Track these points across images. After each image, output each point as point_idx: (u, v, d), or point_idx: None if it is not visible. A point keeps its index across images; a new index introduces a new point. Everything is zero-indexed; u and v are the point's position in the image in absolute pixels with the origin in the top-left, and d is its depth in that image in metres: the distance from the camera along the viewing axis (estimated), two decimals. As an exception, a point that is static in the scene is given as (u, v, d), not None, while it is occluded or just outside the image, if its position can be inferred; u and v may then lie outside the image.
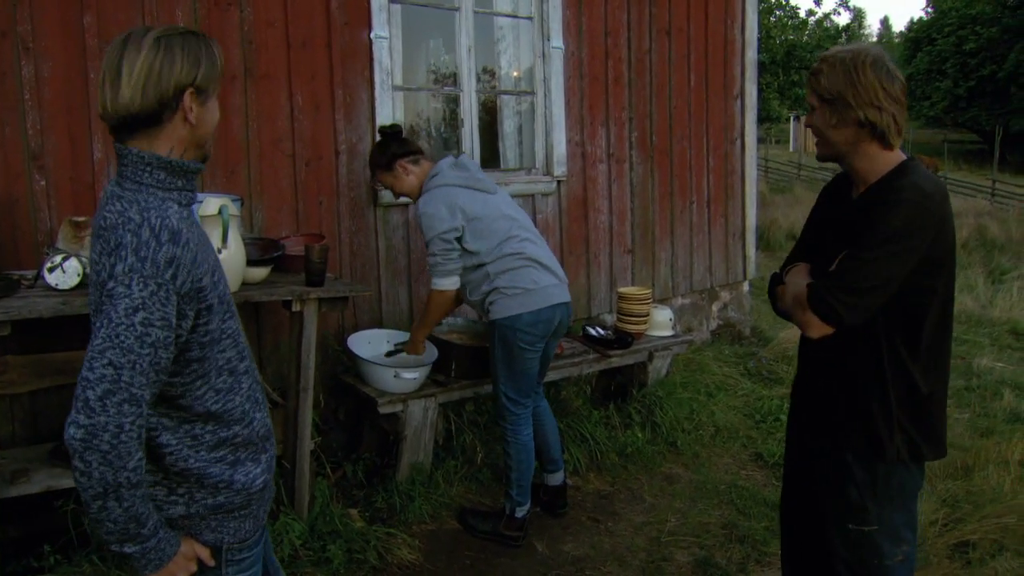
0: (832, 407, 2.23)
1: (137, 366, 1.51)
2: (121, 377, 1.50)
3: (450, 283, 3.57)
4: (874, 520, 2.18)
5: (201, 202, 2.90)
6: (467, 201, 3.54)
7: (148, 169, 1.62)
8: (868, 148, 2.12)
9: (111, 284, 1.53)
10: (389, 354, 4.10)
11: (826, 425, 2.26)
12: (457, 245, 3.52)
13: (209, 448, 1.72)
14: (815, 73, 2.14)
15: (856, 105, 2.06)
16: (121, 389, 1.50)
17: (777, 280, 2.37)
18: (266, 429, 1.85)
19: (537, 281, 3.57)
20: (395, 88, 4.56)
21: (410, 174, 3.64)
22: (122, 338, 1.50)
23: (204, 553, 1.75)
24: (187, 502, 1.72)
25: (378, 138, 3.83)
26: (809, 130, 2.25)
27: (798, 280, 2.21)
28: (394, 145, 3.65)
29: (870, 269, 2.01)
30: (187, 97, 1.63)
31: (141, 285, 1.51)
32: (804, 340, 2.38)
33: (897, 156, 2.15)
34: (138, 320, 1.51)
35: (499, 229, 3.57)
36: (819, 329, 2.09)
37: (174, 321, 1.55)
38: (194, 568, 1.72)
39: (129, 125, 1.62)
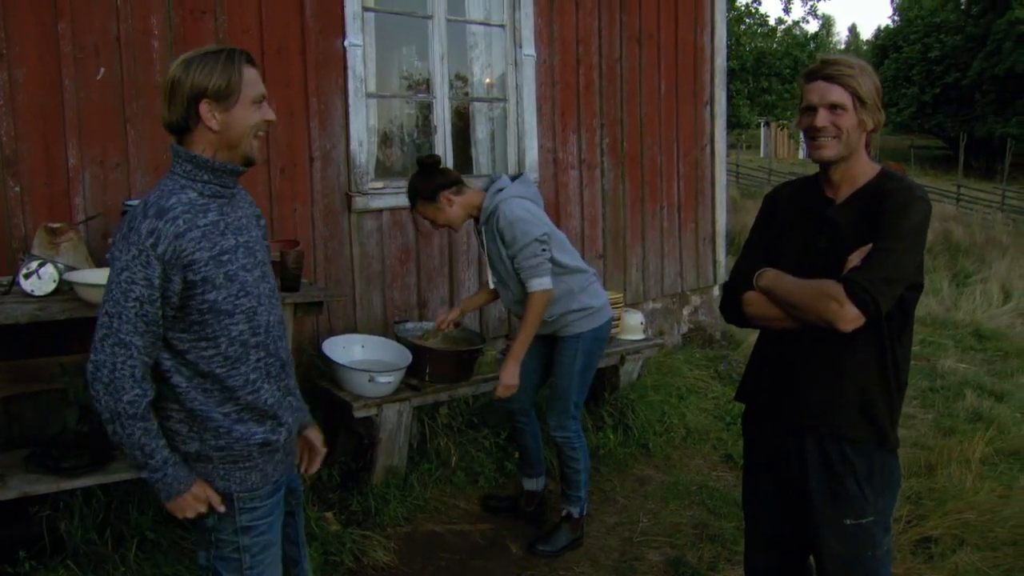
0: (826, 402, 2.24)
1: (123, 316, 1.84)
2: (112, 324, 1.84)
3: (550, 283, 3.48)
4: (871, 511, 2.22)
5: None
6: (543, 214, 3.57)
7: (179, 160, 1.95)
8: (861, 151, 2.24)
9: (112, 251, 1.89)
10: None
11: (817, 421, 2.25)
12: (549, 251, 3.50)
13: (217, 403, 1.99)
14: (848, 76, 2.15)
15: (877, 109, 2.19)
16: (113, 334, 1.84)
17: (741, 287, 2.34)
18: (275, 400, 2.09)
19: (603, 294, 3.78)
20: (368, 95, 4.60)
21: (453, 205, 3.52)
22: (113, 293, 1.85)
23: (215, 498, 2.01)
24: (200, 440, 2.00)
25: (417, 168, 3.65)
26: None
27: (784, 278, 2.21)
28: (438, 176, 3.53)
29: (901, 259, 2.09)
30: (203, 106, 1.90)
31: (126, 250, 1.84)
32: (775, 338, 2.36)
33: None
34: (123, 278, 1.83)
35: (569, 245, 3.70)
36: (854, 322, 2.09)
37: (157, 281, 1.84)
38: (203, 509, 2.00)
39: (175, 132, 1.96)
